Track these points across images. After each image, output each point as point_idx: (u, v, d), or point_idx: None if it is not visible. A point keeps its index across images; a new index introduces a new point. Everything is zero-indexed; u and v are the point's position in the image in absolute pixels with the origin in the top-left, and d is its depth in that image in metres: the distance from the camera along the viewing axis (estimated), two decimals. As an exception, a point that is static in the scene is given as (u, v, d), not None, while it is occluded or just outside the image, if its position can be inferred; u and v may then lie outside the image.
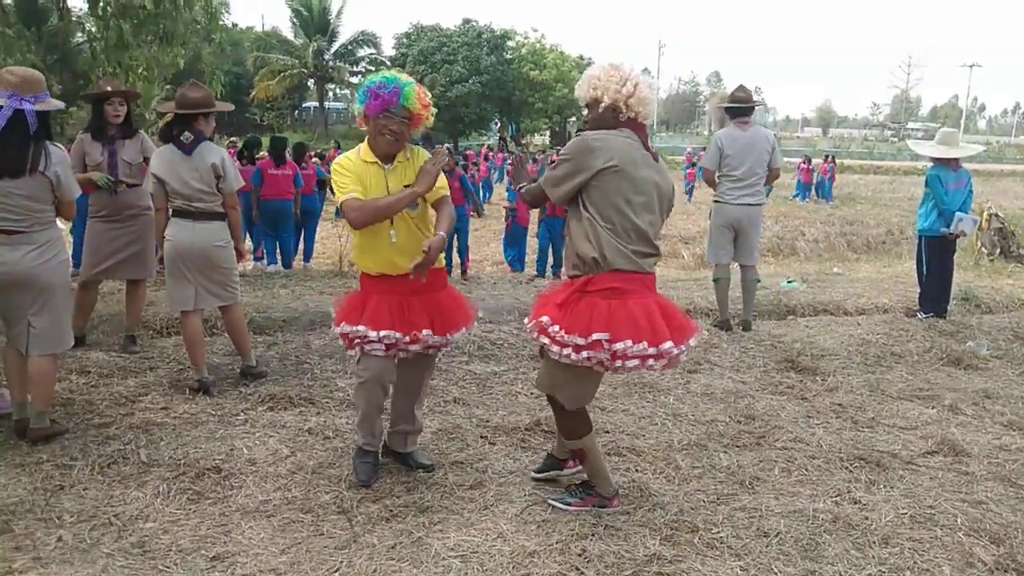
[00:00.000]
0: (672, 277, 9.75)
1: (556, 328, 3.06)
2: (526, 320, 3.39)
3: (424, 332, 3.36)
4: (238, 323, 4.99)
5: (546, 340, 3.11)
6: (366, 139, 3.44)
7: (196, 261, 4.66)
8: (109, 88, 5.29)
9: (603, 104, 3.16)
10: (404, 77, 3.37)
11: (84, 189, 5.13)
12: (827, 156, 28.16)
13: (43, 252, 3.80)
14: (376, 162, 3.38)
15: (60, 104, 4.05)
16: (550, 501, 3.41)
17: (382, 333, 3.32)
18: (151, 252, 5.57)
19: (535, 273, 9.95)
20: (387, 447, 3.79)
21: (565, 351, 3.05)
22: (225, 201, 4.73)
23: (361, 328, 3.33)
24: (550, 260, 10.03)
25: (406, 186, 3.37)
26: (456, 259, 9.73)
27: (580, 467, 3.55)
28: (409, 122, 3.36)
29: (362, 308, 3.40)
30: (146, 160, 5.34)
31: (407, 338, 3.35)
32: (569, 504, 3.37)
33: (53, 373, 4.02)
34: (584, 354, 3.02)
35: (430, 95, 3.46)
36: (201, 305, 4.78)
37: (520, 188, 3.47)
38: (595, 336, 2.98)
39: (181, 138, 4.64)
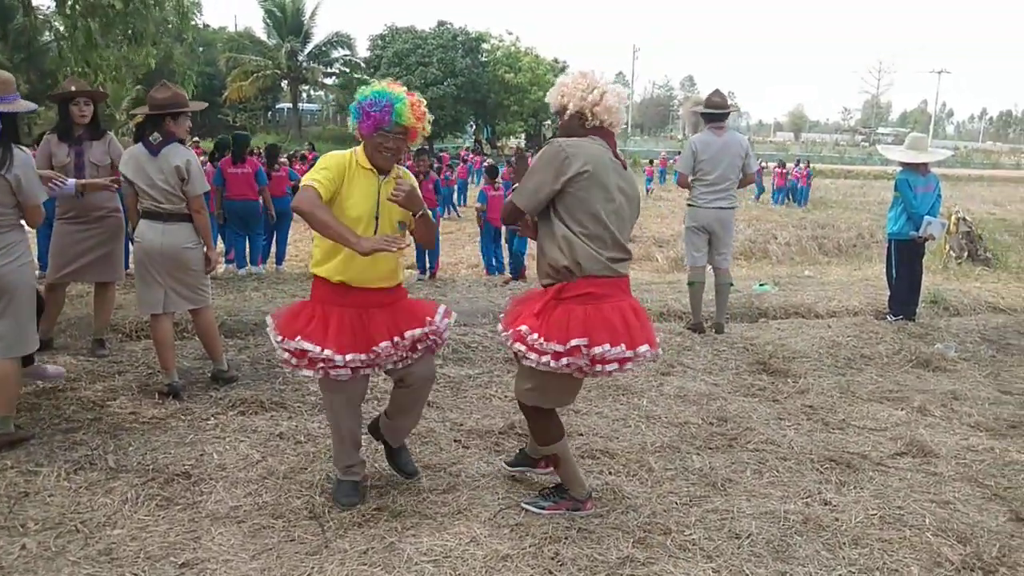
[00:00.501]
0: (646, 280, 9.79)
1: (535, 336, 3.04)
2: (500, 327, 3.35)
3: (382, 345, 3.21)
4: (209, 326, 4.93)
5: (522, 348, 3.08)
6: (361, 145, 3.29)
7: (165, 263, 4.60)
8: (74, 88, 5.19)
9: (569, 111, 3.18)
10: (395, 90, 3.20)
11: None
12: (798, 161, 28.51)
13: (5, 255, 3.73)
14: (372, 170, 3.25)
15: (31, 105, 3.98)
16: (523, 505, 3.40)
17: (349, 357, 3.16)
18: (120, 254, 5.50)
19: (510, 276, 9.94)
20: (378, 430, 3.62)
21: (544, 358, 3.03)
22: (190, 204, 4.67)
23: (327, 352, 3.12)
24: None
25: (401, 223, 3.30)
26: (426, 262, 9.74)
27: (552, 470, 3.56)
28: (405, 137, 3.24)
29: (323, 325, 3.19)
30: (113, 162, 5.27)
31: (369, 358, 3.20)
32: (543, 508, 3.36)
33: (15, 377, 3.93)
34: (564, 360, 3.02)
35: (424, 103, 3.30)
36: (170, 308, 4.71)
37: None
38: (573, 342, 2.98)
39: (150, 139, 4.59)
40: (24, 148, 3.83)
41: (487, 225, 10.59)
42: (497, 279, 9.76)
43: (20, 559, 2.92)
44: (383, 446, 3.68)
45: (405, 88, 3.26)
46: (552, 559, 3.01)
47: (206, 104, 5.56)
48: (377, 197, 3.25)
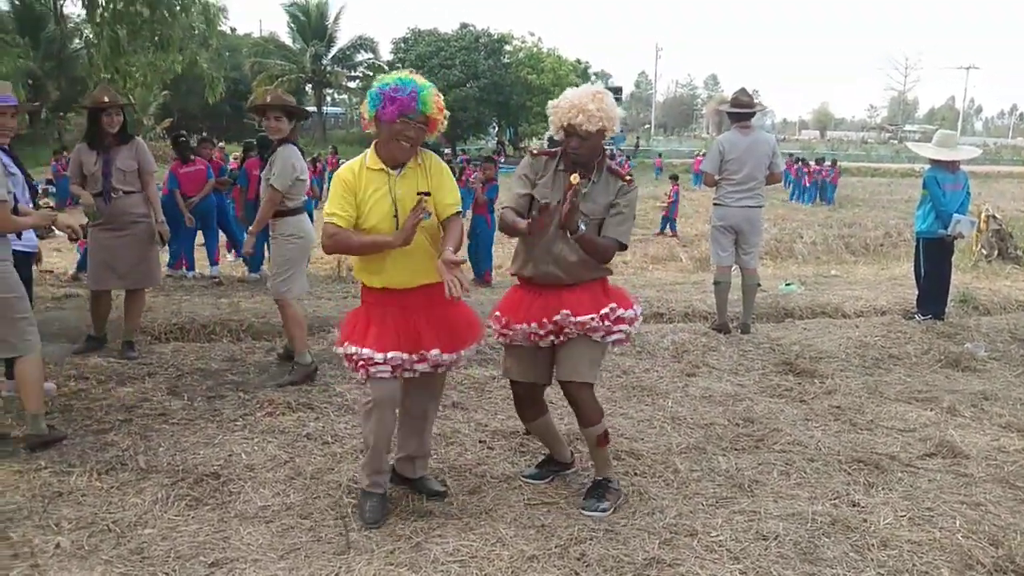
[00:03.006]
0: (670, 280, 9.76)
1: (623, 311, 3.37)
2: (573, 318, 3.28)
3: (432, 352, 3.21)
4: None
5: (607, 324, 3.32)
6: (373, 145, 3.24)
7: None
8: (106, 99, 5.30)
9: (608, 133, 3.35)
10: (419, 79, 3.17)
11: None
12: (823, 159, 28.24)
13: None
14: (383, 169, 3.20)
15: (9, 100, 4.05)
16: (586, 514, 3.36)
17: (389, 355, 3.15)
18: (155, 260, 5.59)
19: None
20: (395, 472, 3.57)
21: (620, 327, 3.37)
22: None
23: (366, 351, 3.15)
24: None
25: (419, 193, 3.17)
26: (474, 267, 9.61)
27: (574, 467, 3.71)
28: (426, 127, 3.18)
29: (366, 326, 3.23)
30: (140, 166, 5.37)
31: (414, 357, 3.21)
32: (606, 509, 3.38)
33: (36, 375, 3.98)
34: (636, 325, 3.47)
35: (442, 97, 3.28)
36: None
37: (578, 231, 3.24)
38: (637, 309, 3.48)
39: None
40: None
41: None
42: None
43: (55, 557, 2.97)
44: (403, 482, 3.61)
45: (424, 79, 3.23)
46: (578, 560, 3.01)
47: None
48: (392, 195, 3.20)
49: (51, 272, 8.90)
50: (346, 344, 3.24)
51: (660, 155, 40.35)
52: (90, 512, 3.31)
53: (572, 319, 3.27)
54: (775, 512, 3.43)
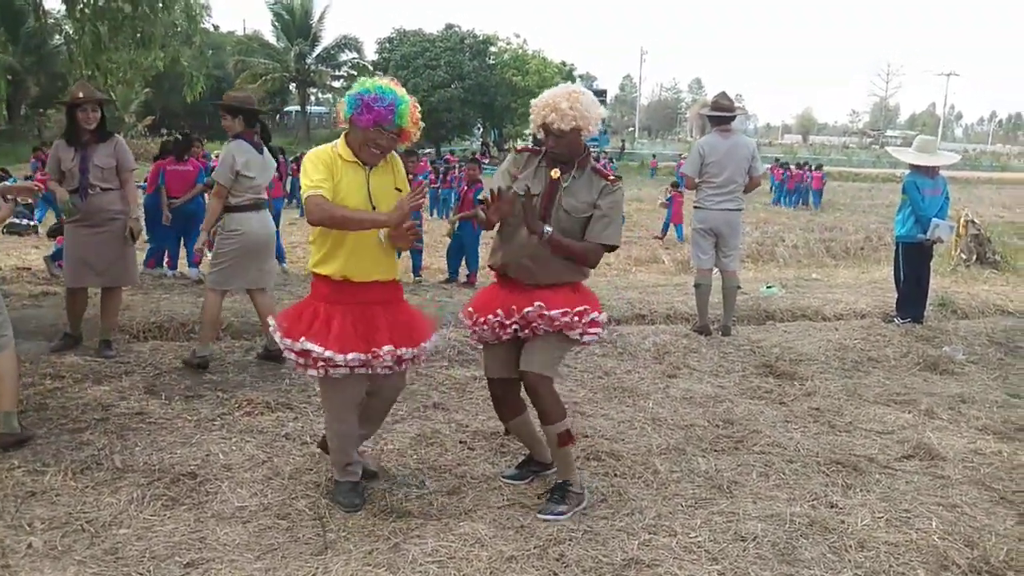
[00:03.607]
0: (653, 282, 9.79)
1: (596, 314, 3.37)
2: (541, 308, 3.28)
3: (384, 348, 3.21)
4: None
5: (583, 323, 3.32)
6: (343, 139, 3.26)
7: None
8: (81, 95, 5.23)
9: (585, 133, 3.31)
10: (399, 91, 3.20)
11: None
12: (805, 163, 28.44)
13: None
14: (356, 161, 3.23)
15: None
16: (540, 517, 3.33)
17: (350, 357, 3.17)
18: (132, 258, 5.53)
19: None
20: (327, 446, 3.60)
21: (594, 330, 3.38)
22: None
23: (329, 353, 3.14)
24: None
25: (398, 189, 3.29)
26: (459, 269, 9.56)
27: (554, 468, 3.62)
28: (398, 138, 3.25)
29: (326, 322, 3.21)
30: (119, 163, 5.32)
31: (370, 356, 3.21)
32: (561, 513, 3.34)
33: (14, 372, 3.94)
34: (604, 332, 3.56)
35: (419, 109, 3.31)
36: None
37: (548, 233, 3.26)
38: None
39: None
40: None
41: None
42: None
43: (27, 557, 2.93)
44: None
45: (404, 90, 3.26)
46: (557, 560, 3.00)
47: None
48: (367, 188, 3.23)
49: (28, 269, 8.79)
50: (302, 340, 3.18)
51: (655, 156, 43.34)
52: (64, 512, 3.26)
53: (545, 312, 3.27)
54: (754, 513, 3.44)
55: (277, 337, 3.32)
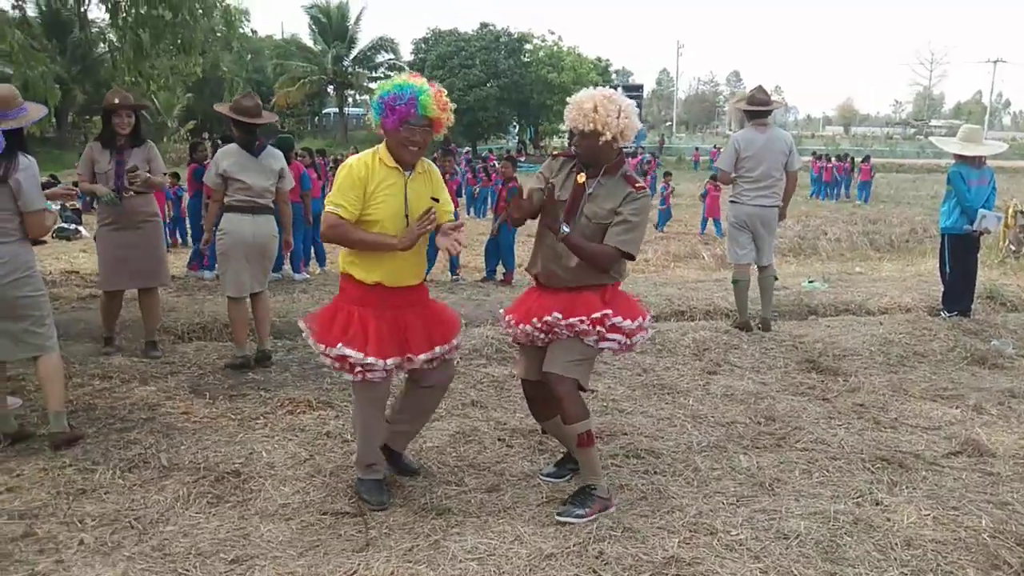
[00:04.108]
0: (692, 278, 9.69)
1: (620, 319, 3.30)
2: (551, 318, 3.29)
3: (421, 357, 3.30)
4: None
5: (602, 330, 3.28)
6: (384, 143, 3.29)
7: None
8: (117, 100, 5.35)
9: (605, 138, 3.27)
10: (417, 82, 3.19)
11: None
12: (845, 155, 27.92)
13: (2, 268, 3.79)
14: (397, 168, 3.25)
15: (41, 112, 4.08)
16: (559, 519, 3.29)
17: (389, 362, 3.23)
18: (164, 259, 5.64)
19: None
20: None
21: (614, 336, 3.32)
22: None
23: (370, 359, 3.19)
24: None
25: (433, 198, 3.31)
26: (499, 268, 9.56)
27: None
28: (431, 129, 3.24)
29: (362, 328, 3.23)
30: (151, 168, 5.43)
31: (405, 359, 3.29)
32: (581, 516, 3.30)
33: (60, 372, 4.06)
34: (641, 334, 3.42)
35: (446, 93, 3.30)
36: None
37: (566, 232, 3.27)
38: (643, 320, 3.41)
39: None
40: (30, 157, 3.89)
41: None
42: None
43: (79, 553, 3.01)
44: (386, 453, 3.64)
45: (425, 80, 3.25)
46: (596, 558, 2.99)
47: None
48: (404, 194, 3.26)
49: (76, 273, 9.02)
50: (340, 346, 3.21)
51: (697, 149, 43.92)
52: (113, 509, 3.34)
53: (561, 321, 3.27)
54: (797, 511, 3.40)
55: (310, 341, 3.35)
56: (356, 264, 3.31)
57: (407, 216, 3.25)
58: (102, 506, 3.37)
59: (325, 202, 3.24)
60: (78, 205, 14.77)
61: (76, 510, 3.33)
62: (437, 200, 3.33)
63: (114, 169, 5.33)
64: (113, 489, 3.53)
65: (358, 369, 3.22)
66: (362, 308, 3.29)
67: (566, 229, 3.24)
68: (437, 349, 3.36)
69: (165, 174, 5.88)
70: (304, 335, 3.42)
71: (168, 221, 11.61)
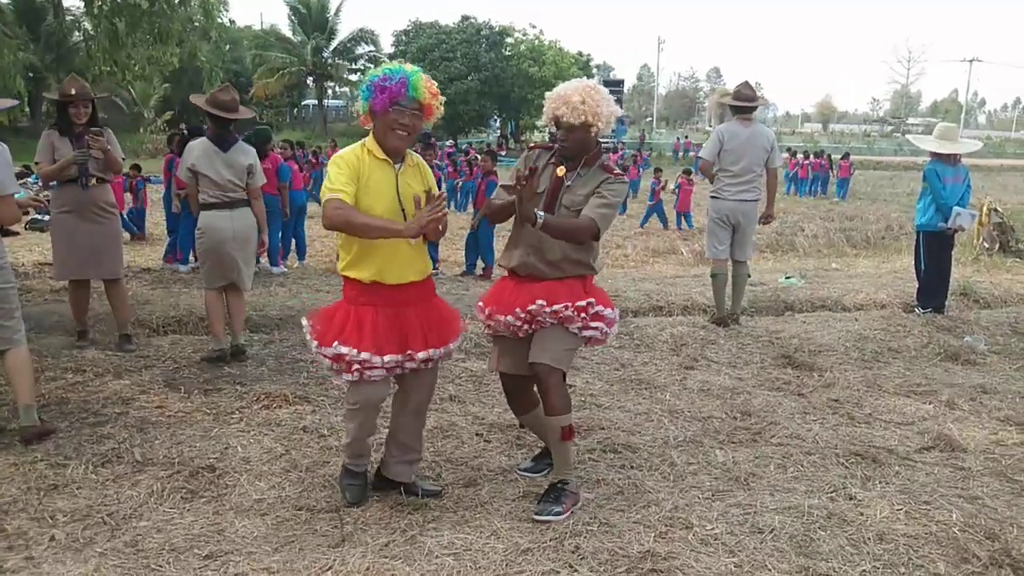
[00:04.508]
0: (671, 274, 9.75)
1: (601, 308, 3.35)
2: (534, 306, 3.27)
3: (420, 355, 3.20)
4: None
5: (584, 317, 3.31)
6: (371, 135, 3.17)
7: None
8: (73, 91, 5.22)
9: (596, 129, 3.30)
10: (408, 66, 3.12)
11: (54, 177, 5.26)
12: (821, 152, 28.16)
13: None
14: (387, 160, 3.14)
15: (10, 103, 4.01)
16: (536, 518, 3.27)
17: (387, 359, 3.12)
18: (118, 251, 5.55)
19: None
20: (388, 480, 3.48)
21: (597, 324, 3.35)
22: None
23: (364, 354, 3.08)
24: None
25: (427, 191, 3.16)
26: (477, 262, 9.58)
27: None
28: (420, 114, 3.15)
29: (359, 326, 3.14)
30: (111, 155, 5.32)
31: (405, 357, 3.18)
32: (559, 513, 3.29)
33: (29, 364, 3.98)
34: (615, 327, 3.48)
35: (436, 83, 3.24)
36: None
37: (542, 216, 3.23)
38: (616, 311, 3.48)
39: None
40: (1, 143, 3.79)
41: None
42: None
43: (49, 549, 2.97)
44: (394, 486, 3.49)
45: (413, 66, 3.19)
46: (572, 552, 3.00)
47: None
48: (396, 188, 3.15)
49: (50, 264, 8.88)
50: (336, 344, 3.12)
51: (679, 138, 46.32)
52: (85, 504, 3.30)
53: (546, 308, 3.25)
54: (771, 505, 3.42)
55: (310, 341, 3.23)
56: (351, 263, 3.19)
57: (403, 210, 3.14)
58: (74, 501, 3.33)
59: (322, 191, 3.08)
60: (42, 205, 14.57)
61: (47, 506, 3.28)
62: (429, 191, 3.20)
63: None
64: (85, 484, 3.49)
65: (355, 367, 3.11)
66: (359, 306, 3.18)
67: (541, 214, 3.19)
68: (432, 352, 3.26)
69: (126, 161, 5.78)
70: (304, 331, 3.29)
71: (128, 212, 11.60)
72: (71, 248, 5.33)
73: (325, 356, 3.18)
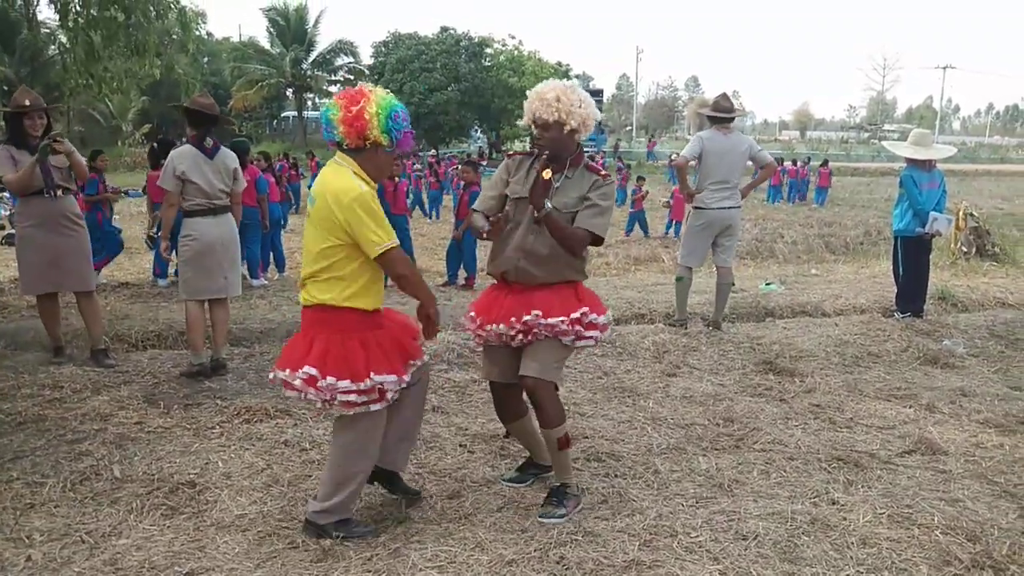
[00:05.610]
0: (652, 281, 9.78)
1: (595, 316, 3.35)
2: (530, 318, 3.27)
3: (417, 362, 3.27)
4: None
5: (579, 329, 3.31)
6: (359, 164, 3.06)
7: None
8: (27, 102, 5.19)
9: (568, 128, 3.30)
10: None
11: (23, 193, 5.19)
12: (804, 159, 28.42)
13: None
14: (372, 186, 3.12)
15: None
16: (541, 520, 3.31)
17: (406, 377, 3.16)
18: (88, 263, 5.50)
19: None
20: (377, 468, 3.38)
21: (591, 333, 3.36)
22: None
23: (393, 378, 3.06)
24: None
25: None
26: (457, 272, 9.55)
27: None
28: None
29: (384, 354, 3.09)
30: (73, 164, 5.28)
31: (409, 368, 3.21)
32: (563, 515, 3.33)
33: None
34: (608, 331, 3.49)
35: (407, 110, 3.23)
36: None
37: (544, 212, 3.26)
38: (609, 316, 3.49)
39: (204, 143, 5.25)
40: None
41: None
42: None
43: (26, 570, 2.92)
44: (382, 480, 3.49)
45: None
46: (557, 563, 2.99)
47: None
48: None
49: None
50: (371, 375, 3.01)
51: (653, 138, 49.65)
52: (63, 523, 3.26)
53: (542, 321, 3.26)
54: (755, 512, 3.43)
55: (338, 384, 3.00)
56: (357, 294, 3.07)
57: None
58: (51, 521, 3.28)
59: (373, 236, 2.96)
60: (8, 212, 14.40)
61: (24, 525, 3.23)
62: None
63: (41, 167, 5.16)
64: (63, 503, 3.44)
65: (391, 394, 3.11)
66: (363, 332, 3.09)
67: (549, 205, 3.25)
68: (416, 361, 3.28)
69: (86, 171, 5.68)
70: (325, 385, 3.00)
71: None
72: (38, 261, 5.26)
73: (360, 392, 3.02)
